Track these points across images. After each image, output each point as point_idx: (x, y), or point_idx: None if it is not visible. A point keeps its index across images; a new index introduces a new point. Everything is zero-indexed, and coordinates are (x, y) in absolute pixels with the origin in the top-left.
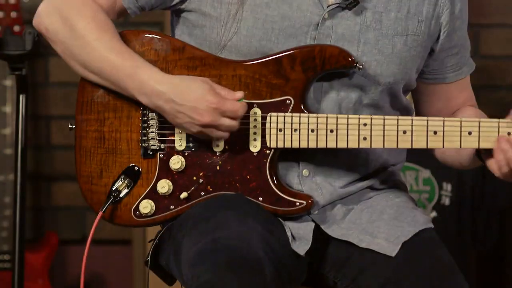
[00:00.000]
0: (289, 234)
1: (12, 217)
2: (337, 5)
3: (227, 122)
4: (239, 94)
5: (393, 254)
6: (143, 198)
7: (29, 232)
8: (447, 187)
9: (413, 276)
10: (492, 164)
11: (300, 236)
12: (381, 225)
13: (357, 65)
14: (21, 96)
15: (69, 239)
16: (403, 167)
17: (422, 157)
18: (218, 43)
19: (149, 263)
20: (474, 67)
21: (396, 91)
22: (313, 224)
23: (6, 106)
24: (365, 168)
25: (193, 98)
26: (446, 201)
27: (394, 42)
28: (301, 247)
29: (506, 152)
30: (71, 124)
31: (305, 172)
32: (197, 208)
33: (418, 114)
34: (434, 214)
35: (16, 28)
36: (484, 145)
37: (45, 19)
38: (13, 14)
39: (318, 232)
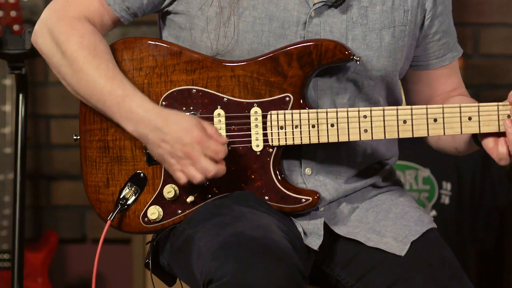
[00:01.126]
0: (300, 230)
1: (11, 216)
2: (323, 3)
3: (204, 162)
4: (225, 139)
5: (403, 254)
6: (151, 204)
7: (28, 231)
8: (447, 186)
9: (421, 276)
10: (490, 143)
11: (310, 231)
12: (388, 224)
13: (354, 57)
14: (20, 95)
15: (69, 238)
16: (403, 166)
17: (421, 156)
18: (210, 48)
19: (150, 264)
20: (462, 53)
21: (390, 83)
22: (322, 218)
23: (6, 105)
24: (364, 161)
25: (179, 129)
26: (446, 200)
27: (381, 36)
28: (314, 241)
29: None
30: (75, 135)
31: (307, 170)
32: (206, 205)
33: (409, 103)
34: (433, 213)
35: (16, 27)
36: (484, 129)
37: (39, 39)
38: (13, 13)
39: (325, 230)
